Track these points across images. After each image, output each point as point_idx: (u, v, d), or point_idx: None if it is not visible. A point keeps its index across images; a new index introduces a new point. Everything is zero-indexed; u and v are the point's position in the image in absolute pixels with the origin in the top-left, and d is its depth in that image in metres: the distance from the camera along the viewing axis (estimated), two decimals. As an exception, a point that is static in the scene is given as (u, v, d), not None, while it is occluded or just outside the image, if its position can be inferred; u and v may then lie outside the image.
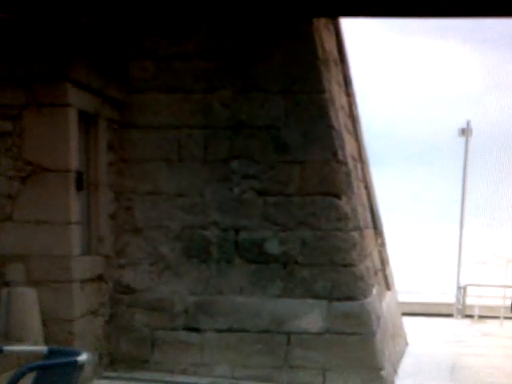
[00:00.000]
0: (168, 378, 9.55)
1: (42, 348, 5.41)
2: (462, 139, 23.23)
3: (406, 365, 11.95)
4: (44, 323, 8.47)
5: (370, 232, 11.94)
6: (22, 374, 4.74)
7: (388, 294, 12.95)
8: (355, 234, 9.90)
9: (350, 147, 11.09)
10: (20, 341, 7.93)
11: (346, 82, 12.48)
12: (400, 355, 12.35)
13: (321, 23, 10.34)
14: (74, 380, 4.97)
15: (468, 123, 23.28)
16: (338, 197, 9.71)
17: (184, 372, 9.74)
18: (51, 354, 5.27)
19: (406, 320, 15.24)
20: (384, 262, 13.43)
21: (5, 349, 5.91)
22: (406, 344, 13.97)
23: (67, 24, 8.64)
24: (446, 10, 9.31)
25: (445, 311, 21.02)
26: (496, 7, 9.00)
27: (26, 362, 7.18)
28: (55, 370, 4.94)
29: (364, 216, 11.42)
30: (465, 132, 23.16)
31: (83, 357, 4.91)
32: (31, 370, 4.84)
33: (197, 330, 9.78)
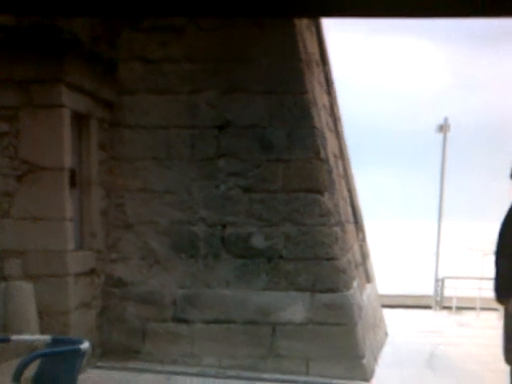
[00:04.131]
0: (159, 367, 9.65)
1: (46, 337, 5.58)
2: (440, 135, 23.15)
3: (386, 354, 12.06)
4: (40, 315, 8.56)
5: (351, 227, 12.04)
6: (30, 361, 4.92)
7: (368, 287, 13.01)
8: (337, 229, 10.04)
9: (331, 145, 11.23)
10: (18, 332, 7.93)
11: (328, 82, 12.58)
12: (380, 345, 12.44)
13: (303, 26, 10.45)
14: (77, 366, 5.17)
15: (445, 119, 23.18)
16: (320, 193, 9.87)
17: (174, 362, 9.85)
18: (55, 342, 5.47)
19: (386, 311, 15.28)
20: (365, 255, 13.52)
21: (12, 338, 6.14)
22: (386, 334, 14.02)
23: (60, 28, 8.69)
24: (425, 11, 9.30)
25: (423, 303, 20.90)
26: (475, 8, 9.01)
27: (25, 350, 7.42)
28: (60, 357, 5.14)
29: (345, 211, 11.55)
30: (442, 128, 23.07)
31: (85, 345, 5.10)
32: (38, 357, 5.07)
33: (185, 321, 9.90)
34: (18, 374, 4.84)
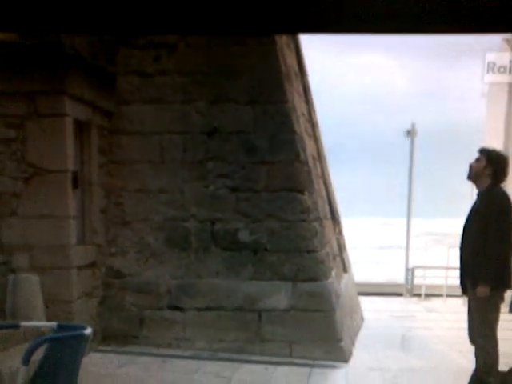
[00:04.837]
0: (155, 351, 9.66)
1: (52, 323, 5.57)
2: (408, 139, 23.23)
3: (363, 337, 12.04)
4: (46, 304, 8.60)
5: (328, 222, 12.05)
6: (38, 345, 4.91)
7: (345, 276, 13.01)
8: (316, 224, 10.07)
9: (310, 148, 11.26)
10: (26, 319, 7.96)
11: (305, 91, 12.61)
12: (357, 329, 12.43)
13: (283, 43, 10.49)
14: (81, 351, 5.18)
15: (413, 125, 23.27)
16: (300, 192, 9.90)
17: (169, 346, 9.86)
18: (60, 328, 5.47)
19: (362, 298, 15.26)
20: (341, 248, 13.53)
21: (22, 324, 6.14)
22: (362, 319, 14.00)
23: (63, 44, 8.68)
24: (397, 28, 9.35)
25: (395, 291, 20.92)
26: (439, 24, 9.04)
27: (32, 336, 7.42)
28: (65, 342, 5.13)
29: (323, 208, 11.56)
30: (410, 133, 23.16)
31: (88, 330, 5.10)
32: (45, 341, 5.07)
33: (179, 308, 9.92)
34: (27, 358, 4.84)
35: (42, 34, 8.71)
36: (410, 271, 21.72)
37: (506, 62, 20.11)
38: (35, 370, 5.17)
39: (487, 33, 9.24)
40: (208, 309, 9.90)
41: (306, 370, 9.11)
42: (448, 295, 18.47)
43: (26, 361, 4.85)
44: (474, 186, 7.52)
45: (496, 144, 15.87)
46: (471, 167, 7.38)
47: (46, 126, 8.70)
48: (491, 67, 20.26)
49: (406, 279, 21.72)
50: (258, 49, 9.92)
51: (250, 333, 9.85)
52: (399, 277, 22.49)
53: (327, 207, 12.42)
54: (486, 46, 20.69)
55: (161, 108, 10.04)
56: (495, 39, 20.40)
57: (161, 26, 8.96)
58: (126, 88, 10.03)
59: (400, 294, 20.84)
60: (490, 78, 20.47)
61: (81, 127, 9.36)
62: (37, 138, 8.72)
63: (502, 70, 20.14)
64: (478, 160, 7.35)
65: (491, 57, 20.34)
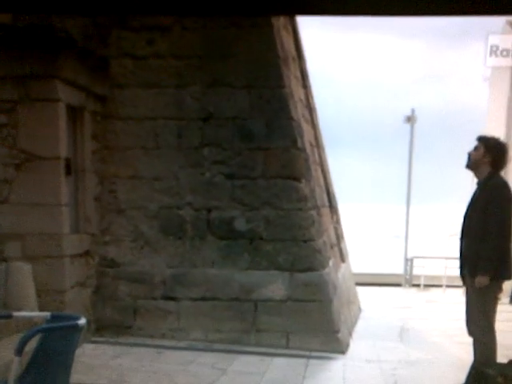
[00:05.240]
0: (149, 341, 9.71)
1: (46, 313, 5.57)
2: (408, 125, 23.26)
3: (360, 328, 12.12)
4: (38, 294, 8.60)
5: (326, 210, 12.09)
6: (31, 336, 4.90)
7: (343, 266, 13.08)
8: (313, 213, 10.11)
9: (307, 135, 11.28)
10: (17, 309, 8.02)
11: (303, 76, 12.61)
12: (354, 320, 12.51)
13: (280, 25, 10.50)
14: (75, 341, 5.20)
15: (412, 111, 23.29)
16: (297, 180, 9.95)
17: (163, 336, 9.93)
18: (54, 318, 5.46)
19: (360, 289, 15.36)
20: (339, 237, 13.57)
21: (14, 314, 6.16)
22: (360, 310, 14.11)
23: (54, 27, 8.69)
24: (398, 9, 9.25)
25: (394, 281, 20.98)
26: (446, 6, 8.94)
27: (25, 327, 7.45)
28: (59, 332, 5.14)
29: (321, 196, 11.61)
30: (410, 119, 23.18)
31: (82, 321, 5.10)
32: (39, 331, 5.09)
33: (174, 298, 9.97)
34: (20, 348, 4.85)
35: (33, 16, 8.73)
36: (408, 261, 21.81)
37: (510, 45, 20.12)
38: (28, 361, 5.19)
39: (490, 15, 9.25)
40: (203, 299, 9.95)
41: (303, 361, 9.17)
42: (447, 286, 18.56)
43: (19, 351, 4.86)
44: (473, 175, 7.54)
45: (498, 130, 15.91)
46: (470, 156, 7.38)
47: (37, 111, 8.70)
48: (494, 50, 20.26)
49: (405, 269, 21.82)
50: (255, 31, 9.94)
51: (245, 323, 9.90)
52: (398, 267, 22.54)
53: (325, 195, 12.47)
54: (489, 28, 20.65)
55: (155, 92, 10.06)
56: (499, 21, 20.38)
57: (155, 7, 9.00)
58: (119, 72, 10.04)
59: (398, 285, 20.94)
60: (493, 61, 20.48)
61: (73, 112, 9.36)
62: (28, 124, 8.72)
63: (504, 53, 20.15)
64: (476, 148, 7.35)
65: (494, 39, 20.33)
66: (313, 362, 9.19)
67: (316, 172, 11.56)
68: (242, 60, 9.98)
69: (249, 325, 9.90)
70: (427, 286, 19.76)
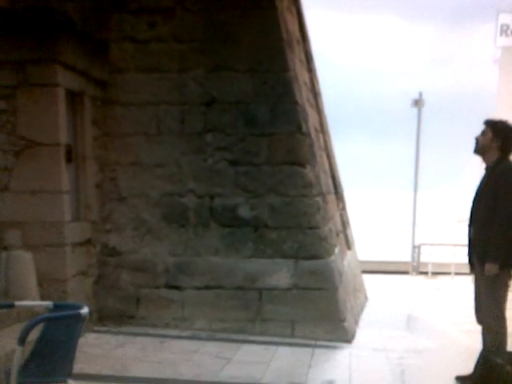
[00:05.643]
0: (152, 331, 9.77)
1: (48, 303, 5.63)
2: (415, 109, 23.26)
3: (367, 316, 12.17)
4: (39, 283, 8.65)
5: (331, 197, 12.12)
6: (35, 324, 4.98)
7: (349, 253, 13.11)
8: (319, 200, 10.13)
9: (312, 120, 11.31)
10: (18, 299, 7.99)
11: (308, 59, 12.64)
12: (361, 308, 12.55)
13: (284, 7, 10.51)
14: (77, 330, 5.24)
15: (420, 94, 23.30)
16: (302, 166, 9.97)
17: (166, 326, 9.99)
18: (56, 307, 5.53)
19: (366, 277, 15.41)
20: (345, 224, 13.60)
21: (16, 304, 6.23)
22: (366, 298, 14.16)
23: (53, 10, 8.69)
24: None
25: (401, 269, 21.05)
26: None
27: (26, 316, 7.53)
28: (61, 321, 5.19)
29: (326, 182, 11.63)
30: (417, 103, 23.18)
31: (85, 310, 5.16)
32: (42, 320, 5.15)
33: (177, 287, 10.02)
34: (23, 337, 4.91)
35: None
36: (416, 248, 21.87)
37: (521, 25, 20.03)
38: (31, 351, 5.26)
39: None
40: (207, 288, 10.00)
41: (308, 350, 9.21)
42: (456, 273, 18.61)
43: (21, 341, 4.92)
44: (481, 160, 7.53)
45: (509, 112, 15.88)
46: (477, 141, 7.36)
47: (37, 97, 8.73)
48: (504, 30, 20.16)
49: (412, 256, 21.90)
50: (258, 13, 9.94)
51: (250, 312, 9.95)
52: (405, 254, 22.60)
53: (330, 181, 12.50)
54: (499, 7, 20.51)
55: (157, 77, 10.08)
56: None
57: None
58: (119, 56, 10.06)
59: (406, 272, 21.01)
60: (503, 41, 20.38)
61: (73, 98, 9.40)
62: (28, 110, 8.76)
63: (515, 32, 20.06)
64: (483, 133, 7.31)
65: (504, 18, 20.21)
66: (318, 351, 9.23)
67: (321, 158, 11.58)
68: (245, 43, 9.99)
69: (253, 314, 9.95)
70: (435, 273, 19.83)
